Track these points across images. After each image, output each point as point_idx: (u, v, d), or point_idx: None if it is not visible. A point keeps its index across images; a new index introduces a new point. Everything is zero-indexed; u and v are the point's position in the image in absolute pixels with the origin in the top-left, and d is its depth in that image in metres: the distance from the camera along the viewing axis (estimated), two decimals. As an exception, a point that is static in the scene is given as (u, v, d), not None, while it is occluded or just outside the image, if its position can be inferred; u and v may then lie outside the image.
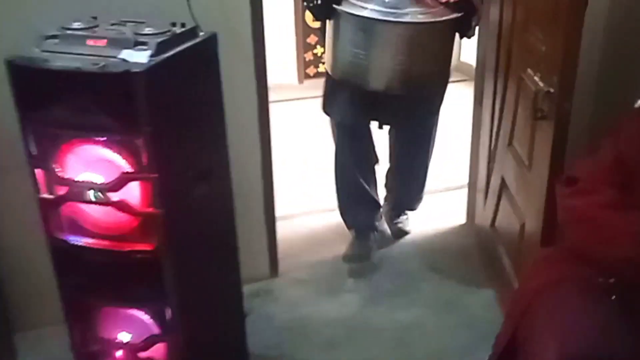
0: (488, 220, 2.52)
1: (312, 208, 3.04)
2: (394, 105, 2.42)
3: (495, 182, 2.41)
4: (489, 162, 2.49)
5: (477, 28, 2.31)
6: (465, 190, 2.90)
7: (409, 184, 2.77)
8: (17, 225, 2.13)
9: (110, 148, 1.54)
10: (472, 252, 2.69)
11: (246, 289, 2.12)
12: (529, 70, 1.93)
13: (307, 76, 4.63)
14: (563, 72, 1.70)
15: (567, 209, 1.49)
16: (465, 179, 2.90)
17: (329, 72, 2.36)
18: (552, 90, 1.74)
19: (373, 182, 2.68)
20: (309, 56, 4.60)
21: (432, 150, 2.71)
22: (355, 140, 2.53)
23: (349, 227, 2.69)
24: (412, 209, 2.87)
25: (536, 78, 1.84)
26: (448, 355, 2.14)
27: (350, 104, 2.41)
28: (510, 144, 2.21)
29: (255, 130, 2.34)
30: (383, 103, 2.40)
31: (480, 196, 2.67)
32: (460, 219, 2.92)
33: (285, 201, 2.86)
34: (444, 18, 2.12)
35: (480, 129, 2.64)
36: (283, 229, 2.65)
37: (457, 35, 2.27)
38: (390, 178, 2.83)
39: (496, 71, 2.36)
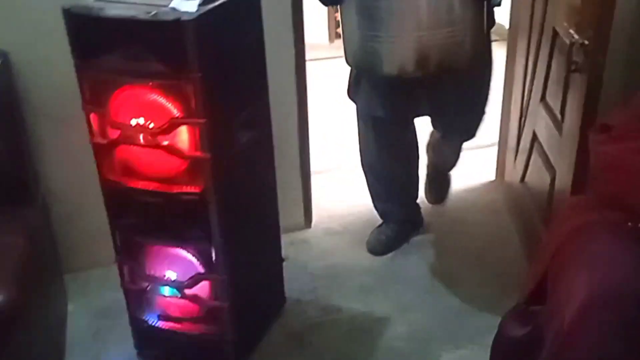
0: (518, 176, 2.57)
1: (344, 162, 3.11)
2: (428, 93, 2.14)
3: (526, 138, 2.45)
4: (520, 118, 2.53)
5: None
6: (495, 149, 2.94)
7: (449, 157, 2.59)
8: (69, 172, 2.24)
9: (161, 93, 1.62)
10: (501, 208, 2.75)
11: (282, 238, 2.20)
12: (565, 24, 1.95)
13: (338, 35, 4.67)
14: (598, 24, 1.73)
15: (600, 155, 1.54)
16: (495, 138, 2.94)
17: (347, 61, 2.13)
18: (587, 42, 1.77)
19: (414, 179, 2.53)
20: (339, 16, 4.62)
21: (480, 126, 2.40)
22: (388, 136, 2.31)
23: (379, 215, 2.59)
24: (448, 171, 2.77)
25: (571, 31, 1.87)
26: (477, 302, 2.22)
27: (377, 94, 2.17)
28: (543, 98, 2.25)
29: (292, 84, 2.40)
30: (414, 92, 2.13)
31: (510, 153, 2.72)
32: (490, 176, 2.97)
33: (319, 155, 2.93)
34: None
35: (513, 86, 2.67)
36: (316, 182, 2.73)
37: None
38: (430, 145, 2.63)
39: (530, 27, 2.38)
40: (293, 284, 2.30)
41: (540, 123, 2.29)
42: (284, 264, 2.22)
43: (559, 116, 2.07)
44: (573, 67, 1.86)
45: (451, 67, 1.98)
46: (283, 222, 2.19)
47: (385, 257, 2.50)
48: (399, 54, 1.94)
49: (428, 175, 2.74)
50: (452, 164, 2.64)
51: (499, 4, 2.07)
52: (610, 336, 1.23)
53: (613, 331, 1.25)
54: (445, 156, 2.60)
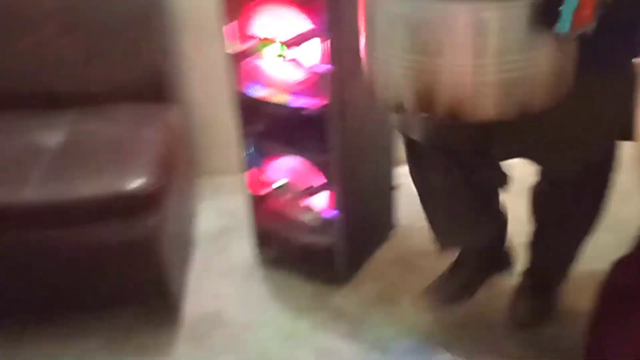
0: None
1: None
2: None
3: None
4: None
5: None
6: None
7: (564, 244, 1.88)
8: (206, 81, 2.41)
9: (294, 6, 1.69)
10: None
11: (396, 169, 2.23)
12: None
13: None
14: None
15: None
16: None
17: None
18: None
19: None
20: None
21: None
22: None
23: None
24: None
25: None
26: (590, 251, 2.15)
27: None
28: None
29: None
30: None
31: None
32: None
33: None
34: None
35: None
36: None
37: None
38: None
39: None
40: (404, 212, 2.34)
41: None
42: (396, 192, 2.27)
43: None
44: None
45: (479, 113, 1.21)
46: (399, 154, 2.23)
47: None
48: (396, 82, 1.26)
49: (520, 284, 1.96)
50: (563, 265, 1.90)
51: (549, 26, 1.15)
52: None
53: None
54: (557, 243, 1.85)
